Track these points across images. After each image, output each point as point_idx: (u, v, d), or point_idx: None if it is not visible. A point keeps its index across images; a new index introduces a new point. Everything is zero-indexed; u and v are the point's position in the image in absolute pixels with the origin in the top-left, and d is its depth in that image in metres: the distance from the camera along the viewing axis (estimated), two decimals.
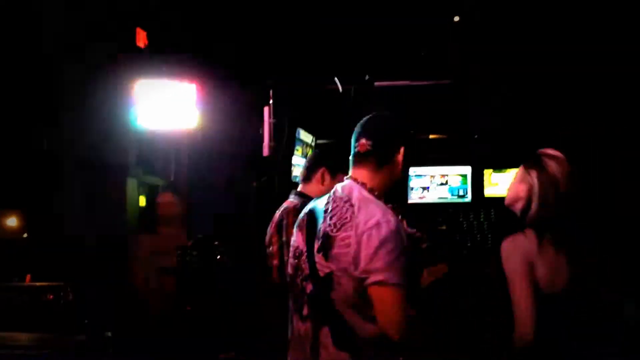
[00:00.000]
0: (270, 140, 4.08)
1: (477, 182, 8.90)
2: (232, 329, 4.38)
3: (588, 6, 5.39)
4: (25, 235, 4.94)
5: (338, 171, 2.73)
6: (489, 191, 9.00)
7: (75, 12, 4.54)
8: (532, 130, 7.83)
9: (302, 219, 2.09)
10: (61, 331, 3.74)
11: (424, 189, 8.86)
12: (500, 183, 8.97)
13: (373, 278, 1.81)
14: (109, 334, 3.68)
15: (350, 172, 2.08)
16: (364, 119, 2.10)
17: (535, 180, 2.30)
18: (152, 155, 5.07)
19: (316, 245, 1.96)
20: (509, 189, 2.47)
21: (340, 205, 1.98)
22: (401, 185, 8.83)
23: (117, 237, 4.75)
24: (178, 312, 4.48)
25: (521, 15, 5.69)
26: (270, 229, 2.75)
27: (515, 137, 8.26)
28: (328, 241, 1.92)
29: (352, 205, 1.95)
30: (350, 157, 2.09)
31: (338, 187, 2.05)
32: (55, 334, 3.66)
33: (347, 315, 1.88)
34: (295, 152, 4.90)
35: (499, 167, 8.90)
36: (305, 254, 2.00)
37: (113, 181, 4.84)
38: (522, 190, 2.35)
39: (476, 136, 8.41)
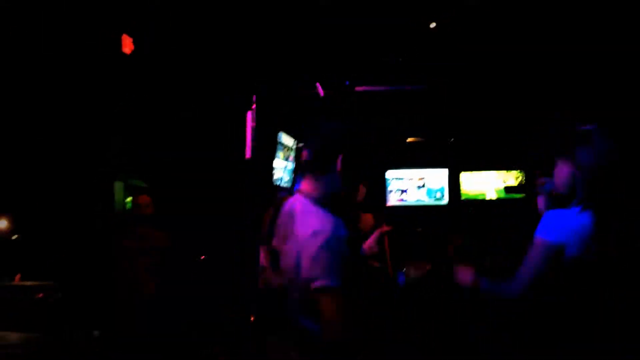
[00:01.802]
0: (252, 143, 4.10)
1: (454, 185, 9.00)
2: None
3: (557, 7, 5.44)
4: (14, 237, 4.93)
5: None
6: (466, 191, 9.15)
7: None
8: (506, 134, 7.97)
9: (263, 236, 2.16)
10: (50, 329, 3.73)
11: (402, 191, 8.96)
12: (476, 185, 9.11)
13: (313, 285, 1.87)
14: (97, 332, 3.68)
15: (300, 182, 2.14)
16: (310, 128, 2.14)
17: (575, 160, 2.14)
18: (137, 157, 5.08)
19: (269, 260, 2.07)
20: (554, 176, 2.28)
21: (285, 221, 2.05)
22: (379, 188, 8.91)
23: (105, 237, 4.75)
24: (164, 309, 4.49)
25: (497, 20, 5.76)
26: None
27: (490, 141, 8.39)
28: (276, 256, 2.03)
29: (293, 218, 2.02)
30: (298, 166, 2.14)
31: (286, 200, 2.12)
32: (44, 333, 3.65)
33: (305, 324, 1.94)
34: (277, 155, 4.94)
35: (474, 169, 9.02)
36: (266, 269, 2.10)
37: (102, 183, 4.86)
38: (565, 172, 2.19)
39: (452, 139, 8.52)
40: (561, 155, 2.20)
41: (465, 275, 2.37)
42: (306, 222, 1.96)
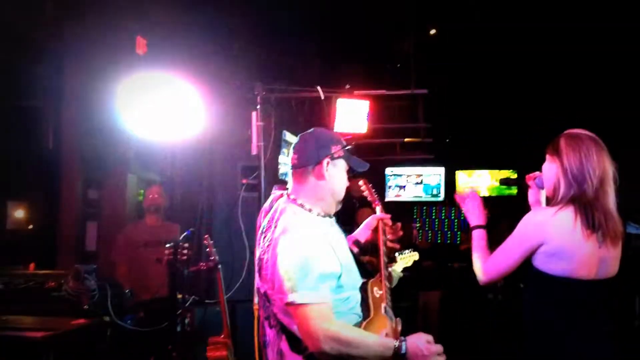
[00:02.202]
0: (258, 140, 4.18)
1: (450, 182, 9.13)
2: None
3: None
4: (30, 226, 5.02)
5: None
6: (461, 188, 9.29)
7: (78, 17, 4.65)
8: (502, 133, 8.09)
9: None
10: (62, 315, 3.81)
11: (400, 187, 9.08)
12: (470, 183, 9.25)
13: (285, 299, 1.87)
14: (107, 318, 3.78)
15: (289, 187, 2.16)
16: (301, 134, 2.18)
17: (559, 162, 2.20)
18: (150, 151, 5.19)
19: (257, 267, 2.09)
20: (543, 172, 2.35)
21: (270, 226, 2.06)
22: (378, 184, 9.03)
23: (117, 229, 4.87)
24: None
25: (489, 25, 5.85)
26: None
27: (484, 141, 8.53)
28: (260, 263, 2.05)
29: (276, 227, 2.01)
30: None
31: (275, 206, 2.13)
32: (56, 318, 3.73)
33: (289, 326, 1.96)
34: (282, 152, 5.07)
35: (469, 168, 9.17)
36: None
37: (114, 176, 4.99)
38: (550, 172, 2.25)
39: (448, 140, 8.64)
40: (550, 155, 2.26)
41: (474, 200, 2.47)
42: (283, 233, 1.95)
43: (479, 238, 2.42)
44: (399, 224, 2.49)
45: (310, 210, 2.08)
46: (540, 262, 2.17)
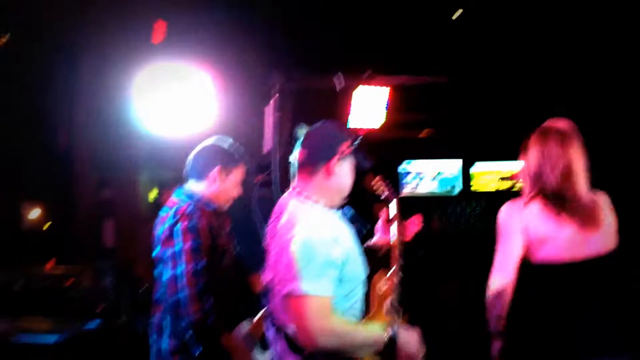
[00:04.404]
0: (273, 135, 4.03)
1: (467, 176, 8.96)
2: None
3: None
4: (46, 226, 4.97)
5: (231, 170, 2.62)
6: (476, 184, 9.11)
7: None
8: (520, 125, 7.87)
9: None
10: (79, 315, 3.75)
11: (416, 181, 8.92)
12: (487, 177, 9.05)
13: (284, 290, 1.82)
14: (124, 318, 3.70)
15: (294, 182, 2.08)
16: (309, 129, 2.11)
17: (536, 153, 2.31)
18: (163, 148, 5.08)
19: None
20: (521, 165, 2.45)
21: (275, 219, 2.03)
22: (393, 179, 8.87)
23: (132, 227, 4.78)
24: None
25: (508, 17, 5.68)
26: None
27: (502, 132, 8.31)
28: (266, 255, 2.01)
29: (278, 219, 1.99)
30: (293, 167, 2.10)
31: (280, 200, 2.08)
32: (73, 318, 3.68)
33: (285, 325, 1.88)
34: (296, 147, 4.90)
35: (486, 160, 8.96)
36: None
37: (127, 175, 4.89)
38: (527, 163, 2.35)
39: (466, 133, 8.45)
40: (521, 153, 2.39)
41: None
42: (289, 224, 1.92)
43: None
44: (420, 215, 2.53)
45: (316, 202, 2.02)
46: (528, 252, 2.25)
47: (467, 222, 9.45)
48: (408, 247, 2.44)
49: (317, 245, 1.83)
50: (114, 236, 5.01)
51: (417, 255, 6.39)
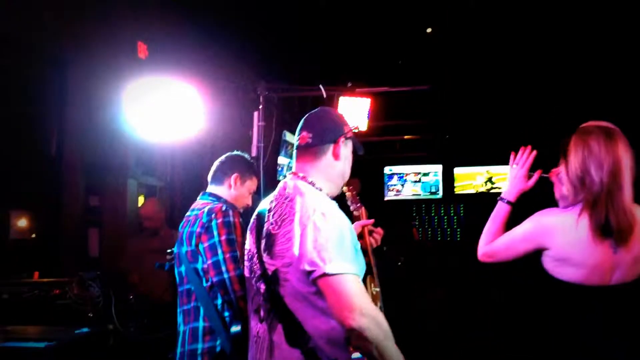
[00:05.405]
0: (258, 141, 4.08)
1: (448, 180, 9.03)
2: None
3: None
4: (33, 235, 4.92)
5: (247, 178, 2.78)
6: (459, 185, 9.19)
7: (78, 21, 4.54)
8: (499, 130, 7.99)
9: (252, 222, 2.01)
10: (66, 324, 3.73)
11: (399, 186, 8.97)
12: (468, 181, 9.15)
13: (319, 271, 1.69)
14: (111, 326, 3.69)
15: (293, 167, 2.02)
16: (308, 114, 2.06)
17: (565, 165, 2.08)
18: (149, 156, 5.10)
19: (262, 245, 1.88)
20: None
21: (280, 202, 1.89)
22: (377, 183, 8.93)
23: (119, 235, 4.76)
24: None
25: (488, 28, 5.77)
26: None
27: (483, 137, 8.41)
28: (270, 239, 1.85)
29: (291, 200, 1.86)
30: (294, 151, 2.04)
31: (280, 184, 1.98)
32: (60, 327, 3.65)
33: (296, 312, 1.78)
34: (281, 153, 4.95)
35: (467, 165, 9.05)
36: (256, 255, 1.92)
37: (115, 182, 4.88)
38: (567, 167, 2.08)
39: (447, 136, 8.53)
40: (561, 158, 2.12)
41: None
42: (306, 204, 1.81)
43: (497, 211, 2.31)
44: (380, 229, 2.45)
45: (320, 190, 1.96)
46: (550, 266, 2.06)
47: (449, 225, 9.56)
48: (386, 255, 2.47)
49: (345, 231, 1.78)
50: (99, 244, 5.01)
51: (396, 264, 6.46)
